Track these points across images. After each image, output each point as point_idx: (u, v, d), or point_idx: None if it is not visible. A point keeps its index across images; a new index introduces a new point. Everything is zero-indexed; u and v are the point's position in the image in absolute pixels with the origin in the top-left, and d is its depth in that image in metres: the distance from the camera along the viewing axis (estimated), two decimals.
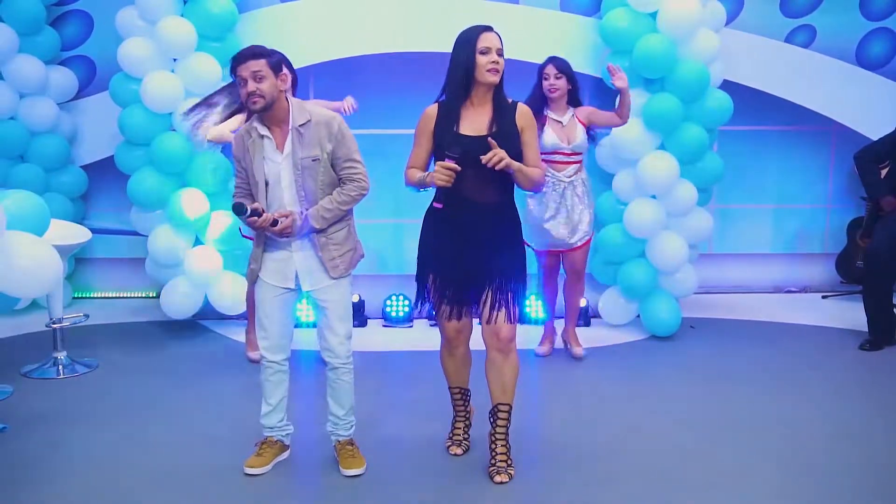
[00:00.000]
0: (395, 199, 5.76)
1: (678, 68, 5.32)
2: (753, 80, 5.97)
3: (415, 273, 3.34)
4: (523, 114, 3.14)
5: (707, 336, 5.49)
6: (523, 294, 3.26)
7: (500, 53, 3.01)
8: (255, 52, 3.14)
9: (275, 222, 3.09)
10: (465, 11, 5.48)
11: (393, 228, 6.08)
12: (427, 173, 3.02)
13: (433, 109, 3.11)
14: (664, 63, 5.28)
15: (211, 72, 5.20)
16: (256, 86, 3.09)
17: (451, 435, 3.54)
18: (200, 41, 5.21)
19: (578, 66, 5.18)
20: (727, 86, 5.66)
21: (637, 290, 5.50)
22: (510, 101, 3.14)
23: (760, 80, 5.98)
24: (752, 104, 6.13)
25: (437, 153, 3.10)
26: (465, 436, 3.52)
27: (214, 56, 5.25)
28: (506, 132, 3.07)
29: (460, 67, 3.06)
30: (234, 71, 3.13)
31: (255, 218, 3.10)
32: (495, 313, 3.17)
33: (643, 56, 5.28)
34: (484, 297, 3.17)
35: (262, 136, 3.18)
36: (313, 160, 3.16)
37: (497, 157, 2.94)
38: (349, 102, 4.65)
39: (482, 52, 3.00)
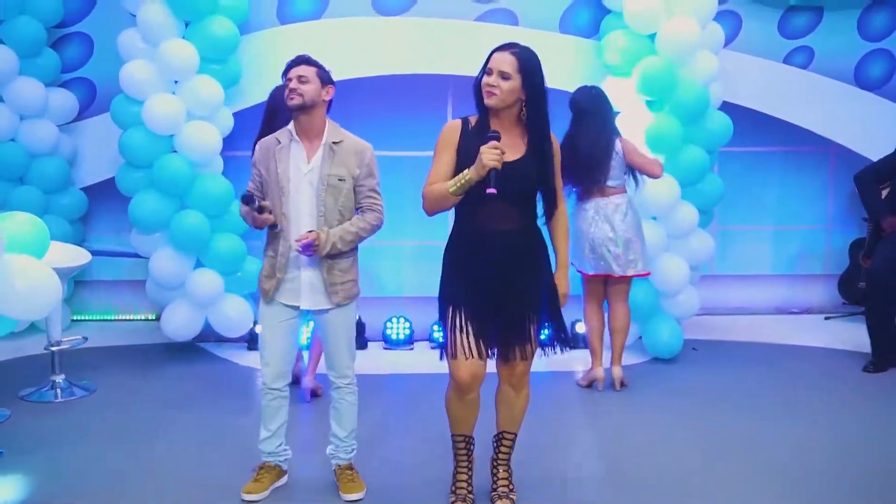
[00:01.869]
0: (395, 221, 5.59)
1: (677, 89, 5.33)
2: (753, 101, 5.98)
3: (438, 310, 3.15)
4: (554, 143, 3.09)
5: (709, 358, 5.49)
6: (552, 323, 3.16)
7: (504, 76, 2.88)
8: (307, 60, 3.25)
9: (274, 225, 3.15)
10: (462, 35, 5.49)
11: (392, 251, 6.08)
12: (464, 172, 2.85)
13: (457, 123, 3.03)
14: (664, 85, 5.30)
15: (212, 94, 5.19)
16: (299, 85, 3.17)
17: (454, 489, 3.29)
18: (202, 63, 5.20)
19: (575, 85, 5.06)
20: (727, 107, 5.67)
21: (638, 311, 5.46)
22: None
23: (759, 101, 6.00)
24: (751, 125, 6.15)
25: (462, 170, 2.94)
26: (470, 488, 3.28)
27: (216, 78, 5.25)
28: (539, 156, 2.99)
29: (477, 87, 3.00)
30: (285, 73, 3.23)
31: (258, 214, 3.14)
32: (514, 349, 3.09)
33: (643, 77, 5.31)
34: (503, 330, 3.07)
35: (291, 141, 3.22)
36: (339, 179, 3.20)
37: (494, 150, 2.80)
38: None
39: (486, 73, 2.93)
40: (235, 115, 5.44)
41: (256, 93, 5.23)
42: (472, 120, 2.96)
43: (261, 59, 5.47)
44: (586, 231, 4.71)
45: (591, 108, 4.69)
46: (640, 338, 5.65)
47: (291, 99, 3.17)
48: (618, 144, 4.68)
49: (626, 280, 4.79)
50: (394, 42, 5.58)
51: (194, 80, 5.21)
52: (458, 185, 2.82)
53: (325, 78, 3.25)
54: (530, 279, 3.04)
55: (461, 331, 2.99)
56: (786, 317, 6.62)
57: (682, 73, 5.37)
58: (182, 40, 5.21)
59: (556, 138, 3.08)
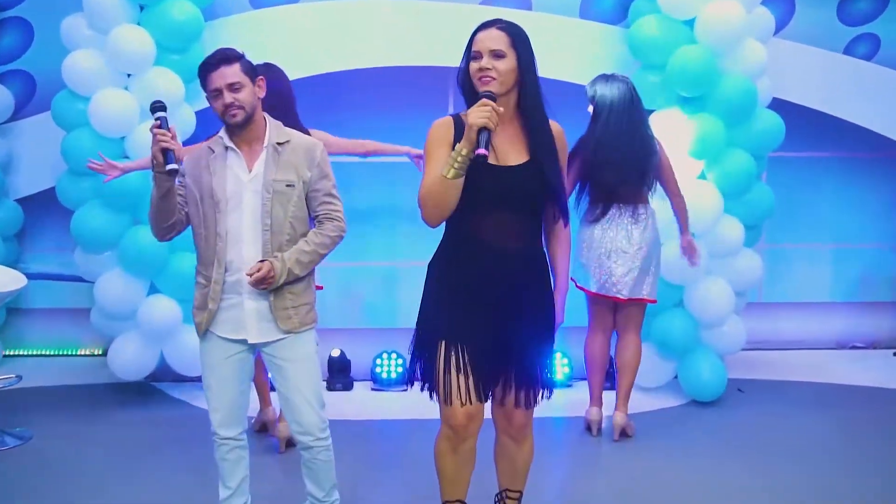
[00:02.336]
0: (389, 238, 5.74)
1: (720, 84, 5.34)
2: (808, 98, 5.96)
3: (413, 339, 3.16)
4: (559, 136, 3.07)
5: (758, 401, 5.47)
6: (550, 367, 3.18)
7: (497, 55, 2.88)
8: (227, 57, 3.17)
9: (172, 172, 3.10)
10: (466, 20, 5.21)
11: (385, 273, 6.03)
12: (459, 144, 2.78)
13: (447, 119, 3.01)
14: (704, 78, 5.32)
15: (171, 88, 5.16)
16: (234, 96, 3.13)
17: None
18: (160, 53, 5.21)
19: None
20: (777, 105, 5.67)
21: (674, 346, 5.48)
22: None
23: (816, 97, 5.98)
24: (806, 126, 6.14)
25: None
26: None
27: (175, 70, 5.23)
28: (545, 159, 2.98)
29: (462, 79, 3.01)
30: (203, 82, 3.17)
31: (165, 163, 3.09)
32: (511, 394, 3.08)
33: (679, 70, 5.31)
34: (504, 372, 3.06)
35: (227, 149, 3.23)
36: (287, 185, 3.21)
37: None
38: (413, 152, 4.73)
39: (473, 58, 2.93)
40: (199, 113, 5.39)
41: None
42: (465, 117, 2.92)
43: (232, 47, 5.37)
44: (596, 239, 4.75)
45: (619, 100, 4.69)
46: (676, 377, 5.64)
47: (233, 116, 3.17)
48: (658, 146, 4.73)
49: (639, 306, 4.82)
50: (386, 29, 5.58)
51: (150, 72, 5.21)
52: (453, 164, 2.77)
53: (252, 72, 3.23)
54: (538, 311, 3.05)
55: (458, 371, 2.98)
56: (848, 352, 6.60)
57: (724, 66, 5.38)
58: (136, 26, 5.20)
59: (563, 130, 3.08)
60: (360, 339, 5.79)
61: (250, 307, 3.24)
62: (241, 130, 3.22)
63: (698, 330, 5.56)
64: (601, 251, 4.75)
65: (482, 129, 2.71)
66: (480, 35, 2.92)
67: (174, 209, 3.21)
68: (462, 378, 2.97)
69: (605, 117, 4.68)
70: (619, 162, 4.64)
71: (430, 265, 3.11)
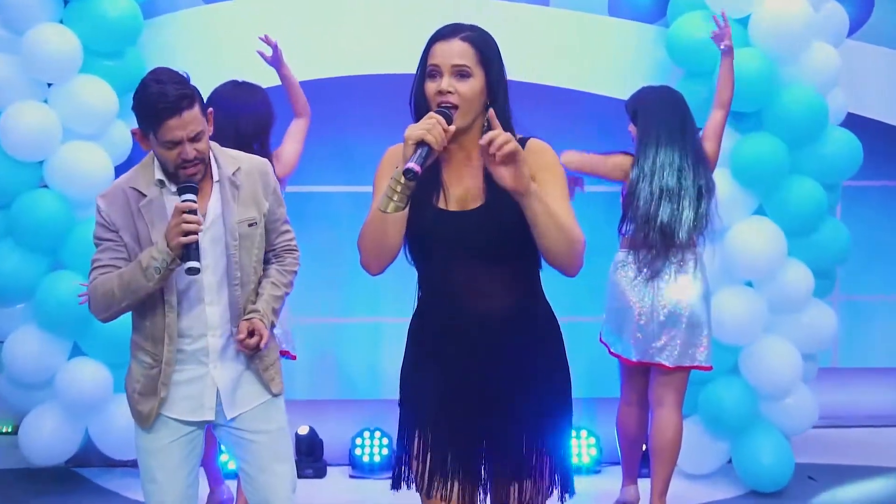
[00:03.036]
0: (371, 288, 5.53)
1: (781, 97, 5.36)
2: (891, 113, 5.95)
3: (398, 421, 3.20)
4: (536, 151, 2.93)
5: (832, 491, 5.43)
6: (565, 454, 3.16)
7: (461, 73, 2.84)
8: (185, 96, 3.14)
9: (192, 271, 3.11)
10: (471, 16, 5.18)
11: (368, 332, 6.01)
12: (396, 169, 2.69)
13: (399, 151, 2.85)
14: (760, 90, 5.32)
15: (101, 101, 5.22)
16: (195, 147, 3.14)
17: None
18: (87, 58, 5.22)
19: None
20: (852, 122, 5.66)
21: (727, 422, 5.45)
22: (518, 137, 2.93)
23: None
24: (889, 149, 6.12)
25: (409, 230, 2.93)
26: None
27: (107, 79, 5.25)
28: (505, 198, 2.81)
29: (415, 101, 2.97)
30: (155, 126, 3.12)
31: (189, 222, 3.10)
32: (513, 496, 3.07)
33: None
34: (497, 466, 3.07)
35: (163, 190, 3.24)
36: (251, 224, 3.28)
37: (503, 138, 2.66)
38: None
39: (430, 75, 2.89)
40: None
41: None
42: None
43: (175, 53, 5.41)
44: (633, 292, 4.82)
45: (668, 126, 4.78)
46: (730, 461, 5.61)
47: (192, 174, 3.18)
48: (712, 180, 4.85)
49: (682, 373, 4.85)
50: (374, 28, 5.58)
51: (75, 81, 5.22)
52: (391, 195, 2.67)
53: (203, 108, 3.24)
54: (541, 385, 3.06)
55: (431, 462, 3.03)
56: None
57: (786, 74, 5.38)
58: (58, 25, 5.21)
59: (546, 146, 3.00)
60: (335, 413, 5.78)
61: (222, 377, 3.31)
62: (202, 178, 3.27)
63: (757, 402, 5.53)
64: (640, 308, 4.80)
65: (419, 143, 2.68)
66: (440, 46, 2.89)
67: (146, 298, 3.23)
68: (439, 473, 3.04)
69: (652, 151, 4.77)
70: (668, 206, 4.71)
71: (408, 334, 3.17)
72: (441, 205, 2.91)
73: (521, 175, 2.64)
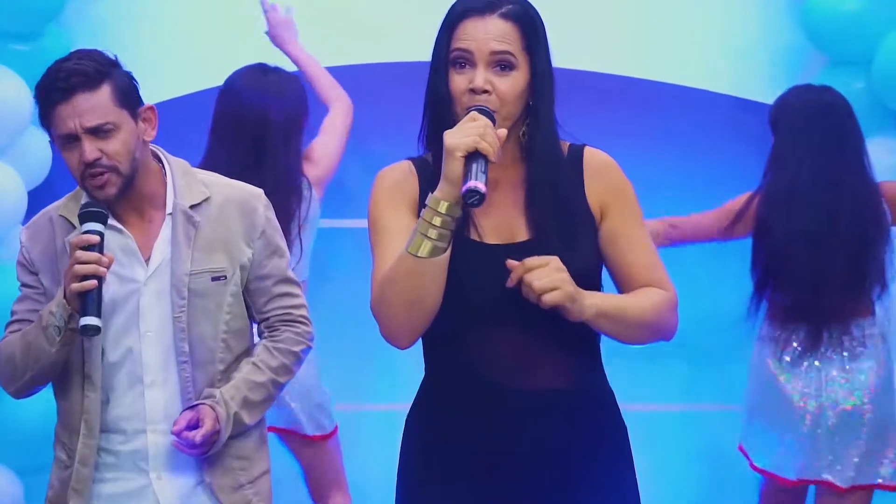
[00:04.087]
0: (388, 364, 4.99)
1: None
2: None
3: None
4: (600, 170, 2.74)
5: None
6: None
7: (502, 64, 2.60)
8: (80, 72, 2.89)
9: (87, 330, 2.83)
10: None
11: (379, 421, 5.31)
12: (434, 194, 2.50)
13: (404, 166, 2.79)
14: None
15: (10, 101, 4.75)
16: (99, 147, 2.86)
17: None
18: None
19: (757, 88, 4.87)
20: None
21: None
22: (567, 146, 2.76)
23: None
24: None
25: None
26: None
27: (18, 70, 4.77)
28: (562, 227, 2.69)
29: (431, 100, 2.72)
30: (45, 116, 2.94)
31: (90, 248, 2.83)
32: None
33: (891, 71, 4.73)
34: None
35: (105, 227, 3.00)
36: (215, 278, 3.01)
37: (536, 278, 2.51)
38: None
39: (456, 63, 2.63)
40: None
41: None
42: (432, 160, 2.78)
43: (114, 32, 4.94)
44: (789, 386, 4.32)
45: (822, 129, 4.28)
46: None
47: (99, 187, 2.90)
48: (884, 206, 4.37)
49: (862, 495, 4.34)
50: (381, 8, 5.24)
51: None
52: (426, 230, 2.51)
53: (131, 99, 2.95)
54: (604, 497, 2.78)
55: None
56: None
57: None
58: None
59: (611, 160, 2.84)
60: None
61: (169, 493, 3.02)
62: (118, 197, 3.01)
63: None
64: (802, 406, 4.28)
65: (473, 154, 2.46)
66: (471, 25, 2.63)
67: (62, 365, 3.00)
68: None
69: (794, 159, 4.28)
70: (820, 241, 4.22)
71: (406, 424, 2.91)
72: (475, 237, 2.68)
73: (572, 311, 2.53)
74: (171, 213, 2.99)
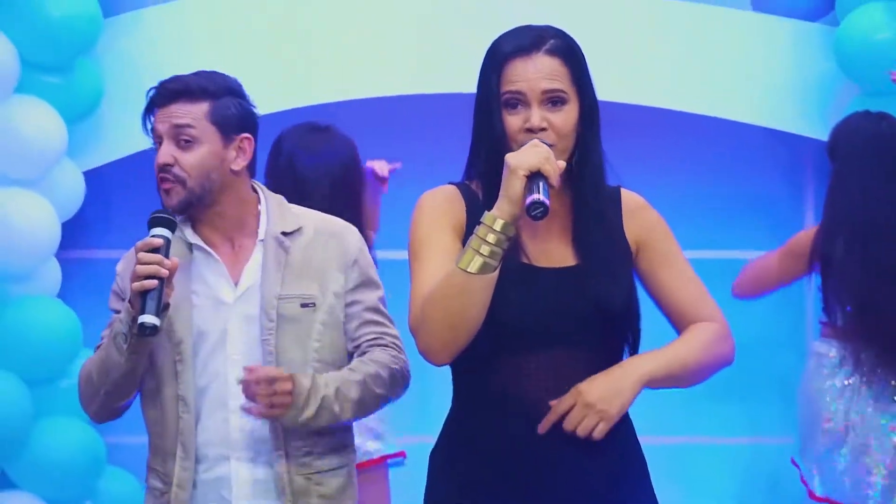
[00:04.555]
0: (415, 397, 4.77)
1: None
2: None
3: None
4: (637, 208, 2.81)
5: None
6: None
7: (554, 100, 2.63)
8: (191, 86, 2.97)
9: (145, 330, 2.82)
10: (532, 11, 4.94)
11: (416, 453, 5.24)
12: (491, 212, 2.54)
13: (450, 190, 2.81)
14: None
15: (43, 133, 4.69)
16: (175, 155, 2.91)
17: None
18: (26, 72, 4.71)
19: (789, 119, 4.86)
20: None
21: None
22: (610, 187, 2.85)
23: None
24: None
25: None
26: None
27: (51, 101, 4.73)
28: (606, 256, 2.74)
29: (482, 135, 2.75)
30: (147, 119, 3.04)
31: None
32: None
33: None
34: None
35: (191, 247, 3.04)
36: (304, 304, 3.00)
37: (573, 426, 2.58)
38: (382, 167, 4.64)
39: (508, 104, 2.66)
40: (90, 174, 4.98)
41: (134, 129, 4.33)
42: (478, 189, 2.81)
43: (141, 63, 4.90)
44: (836, 407, 4.34)
45: (874, 149, 4.30)
46: None
47: (166, 191, 2.96)
48: None
49: None
50: (406, 30, 5.19)
51: (9, 102, 4.72)
52: (478, 247, 2.53)
53: (230, 123, 2.97)
54: None
55: None
56: None
57: None
58: None
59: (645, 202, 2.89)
60: None
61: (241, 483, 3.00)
62: (205, 218, 3.02)
63: None
64: (853, 435, 4.31)
65: (535, 175, 2.51)
66: (520, 66, 2.66)
67: (138, 380, 3.01)
68: None
69: (859, 189, 4.29)
70: (870, 257, 4.25)
71: (434, 452, 2.88)
72: (524, 260, 2.71)
73: (627, 404, 2.65)
74: (262, 240, 3.02)
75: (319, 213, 3.19)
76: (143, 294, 2.76)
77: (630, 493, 2.79)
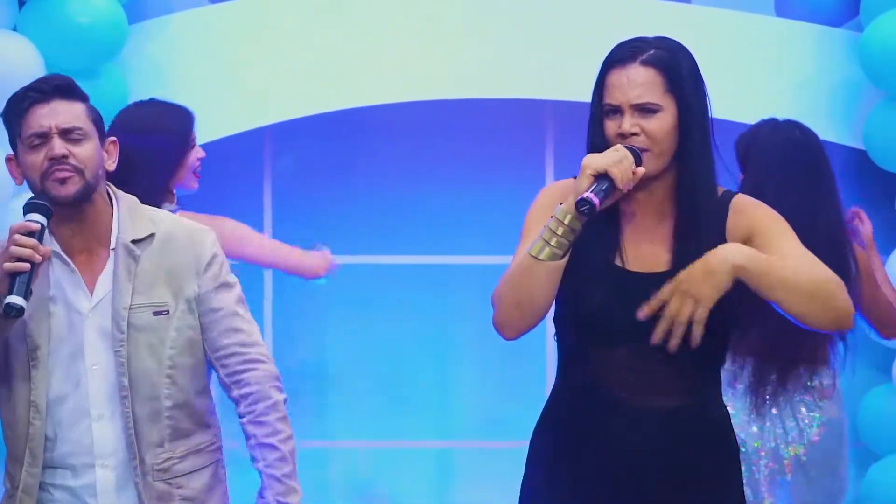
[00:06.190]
0: (442, 395, 5.00)
1: None
2: None
3: None
4: (748, 207, 2.83)
5: None
6: None
7: (649, 109, 2.71)
8: (66, 87, 2.96)
9: (10, 310, 2.80)
10: (570, 18, 4.87)
11: (434, 459, 5.12)
12: (562, 206, 2.65)
13: (564, 185, 2.88)
14: None
15: None
16: (69, 148, 2.88)
17: None
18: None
19: (814, 124, 4.48)
20: None
21: None
22: (721, 191, 2.85)
23: None
24: None
25: (574, 291, 2.82)
26: None
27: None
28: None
29: (590, 139, 2.83)
30: (17, 119, 2.94)
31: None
32: None
33: None
34: None
35: (51, 257, 2.99)
36: (157, 313, 3.00)
37: (675, 311, 2.64)
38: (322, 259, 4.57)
39: (609, 112, 2.77)
40: None
41: None
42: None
43: (170, 72, 5.02)
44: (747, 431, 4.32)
45: (790, 160, 4.27)
46: None
47: (62, 181, 2.90)
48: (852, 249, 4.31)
49: None
50: (440, 34, 5.21)
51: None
52: (548, 237, 2.68)
53: (99, 125, 3.01)
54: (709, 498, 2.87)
55: None
56: None
57: None
58: (11, 33, 4.84)
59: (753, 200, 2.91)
60: None
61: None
62: (73, 217, 2.96)
63: None
64: (755, 458, 4.29)
65: (600, 175, 2.62)
66: (616, 77, 2.76)
67: None
68: None
69: (760, 187, 4.09)
70: None
71: (533, 435, 2.97)
72: (618, 262, 2.82)
73: (720, 286, 2.65)
74: (113, 248, 3.01)
75: (174, 216, 3.22)
76: (14, 275, 2.78)
77: (712, 485, 2.84)
